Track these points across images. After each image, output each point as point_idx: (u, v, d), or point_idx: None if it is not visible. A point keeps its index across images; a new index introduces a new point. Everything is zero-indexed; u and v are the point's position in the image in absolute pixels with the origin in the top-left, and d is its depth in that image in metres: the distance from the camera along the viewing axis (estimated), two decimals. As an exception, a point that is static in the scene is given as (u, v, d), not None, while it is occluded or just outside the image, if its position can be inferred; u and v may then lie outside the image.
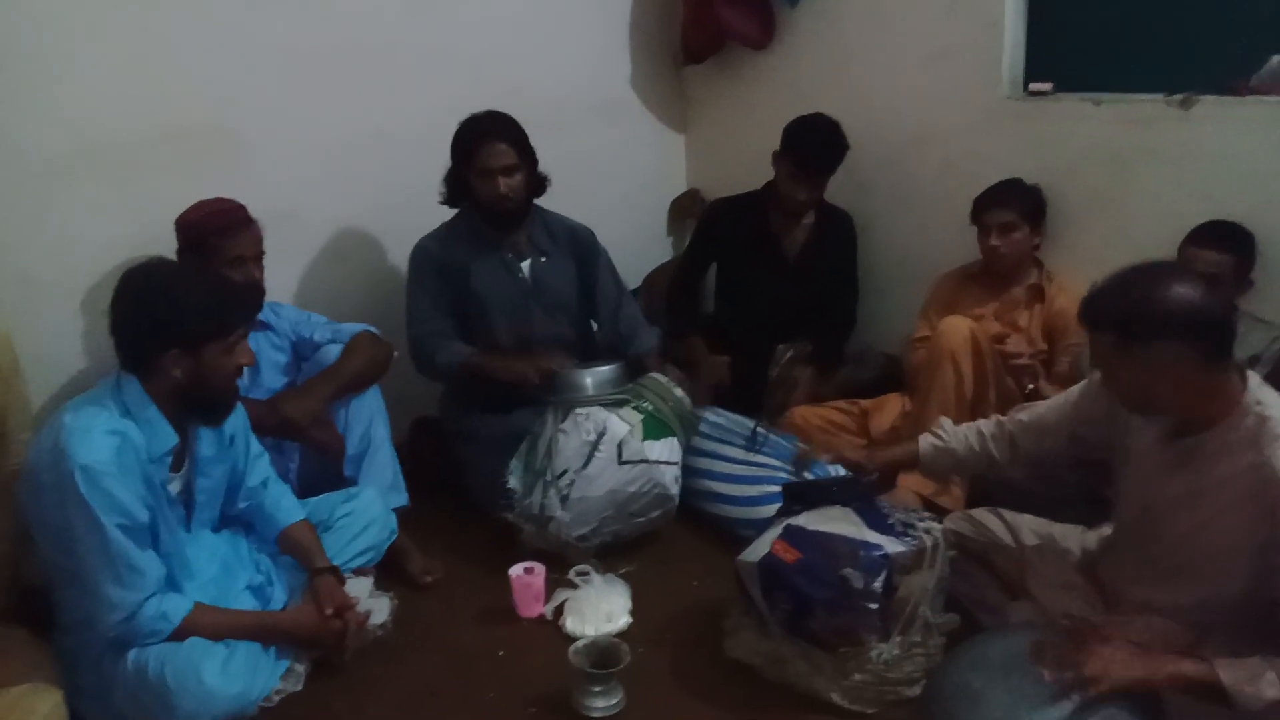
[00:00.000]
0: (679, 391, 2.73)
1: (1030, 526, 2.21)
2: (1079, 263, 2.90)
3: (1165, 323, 1.65)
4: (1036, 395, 2.67)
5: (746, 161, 3.33)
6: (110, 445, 1.90)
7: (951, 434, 2.19)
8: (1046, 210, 2.91)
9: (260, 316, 2.54)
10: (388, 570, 2.48)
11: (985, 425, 2.17)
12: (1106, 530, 2.08)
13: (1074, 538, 2.15)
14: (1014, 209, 2.85)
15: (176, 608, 1.96)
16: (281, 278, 2.60)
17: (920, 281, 3.17)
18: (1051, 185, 2.91)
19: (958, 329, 2.71)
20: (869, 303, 3.35)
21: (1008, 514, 2.26)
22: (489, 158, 2.70)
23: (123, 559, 1.90)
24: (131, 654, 1.93)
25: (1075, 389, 2.07)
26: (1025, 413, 2.13)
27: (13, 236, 2.40)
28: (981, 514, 2.28)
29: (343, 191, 2.98)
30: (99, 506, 1.87)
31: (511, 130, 2.74)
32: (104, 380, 2.03)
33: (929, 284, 3.13)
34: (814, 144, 3.07)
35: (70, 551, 1.92)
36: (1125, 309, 1.68)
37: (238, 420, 2.22)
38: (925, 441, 2.21)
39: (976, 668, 1.75)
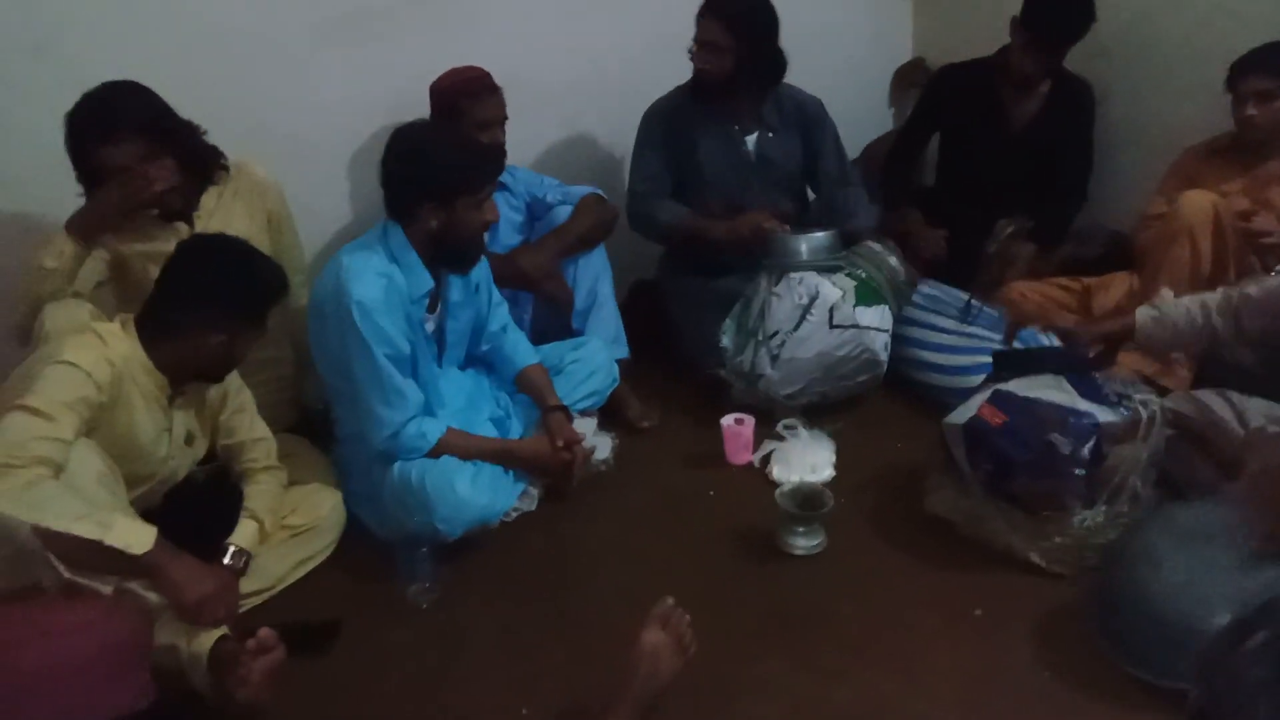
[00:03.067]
0: (894, 260, 2.75)
1: (1260, 410, 2.13)
2: (1349, 135, 2.66)
3: None
4: (1285, 279, 2.52)
5: (979, 27, 3.19)
6: (380, 285, 2.17)
7: (1172, 306, 2.11)
8: (1315, 77, 2.66)
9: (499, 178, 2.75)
10: (609, 415, 2.70)
11: (1210, 298, 2.07)
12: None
13: (1306, 423, 2.07)
14: (1277, 75, 2.63)
15: (433, 429, 2.25)
16: (514, 140, 2.77)
17: (1158, 155, 2.97)
18: (1323, 49, 2.65)
19: (1199, 203, 2.57)
20: (1097, 176, 3.18)
21: (1235, 396, 2.18)
22: (701, 29, 2.74)
23: (390, 383, 2.19)
24: (396, 466, 2.23)
25: None
26: (1255, 287, 2.03)
27: (281, 101, 2.68)
28: (1206, 395, 2.21)
29: (571, 54, 3.08)
30: (371, 337, 2.15)
31: (737, 8, 2.72)
32: (373, 228, 2.29)
33: (1168, 158, 2.94)
34: (1058, 13, 2.91)
35: (347, 375, 2.23)
36: None
37: (482, 271, 2.45)
38: (1142, 313, 2.13)
39: (1163, 533, 1.75)
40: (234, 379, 2.11)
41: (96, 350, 1.83)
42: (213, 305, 1.92)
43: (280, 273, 2.04)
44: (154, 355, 1.92)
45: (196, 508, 2.07)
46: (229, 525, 2.02)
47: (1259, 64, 2.65)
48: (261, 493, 2.09)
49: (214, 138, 2.34)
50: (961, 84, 3.16)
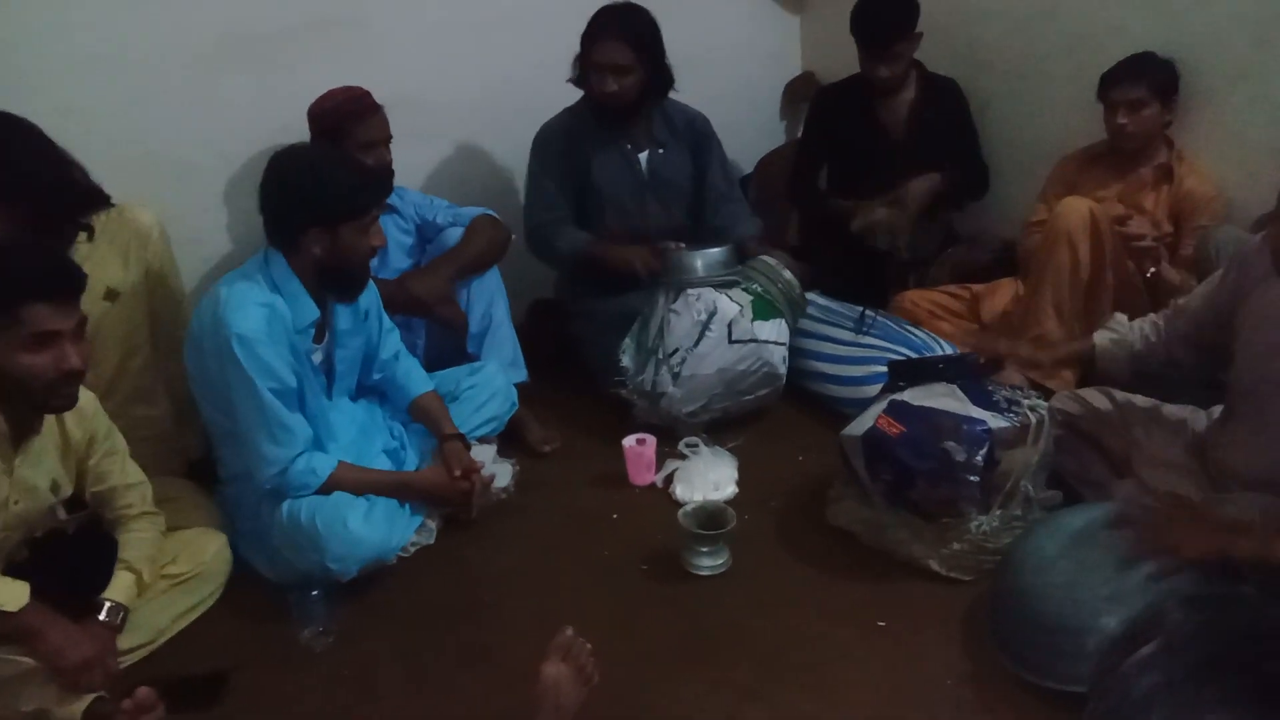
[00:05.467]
0: (788, 274, 2.77)
1: (1140, 406, 2.21)
2: (1214, 140, 2.78)
3: None
4: (1158, 279, 2.62)
5: (862, 42, 3.24)
6: (261, 316, 2.08)
7: (1126, 328, 2.22)
8: (1179, 85, 2.78)
9: (387, 200, 2.68)
10: (509, 440, 2.65)
11: (1157, 315, 2.21)
12: (1218, 410, 2.06)
13: (1185, 418, 2.14)
14: (1144, 85, 2.73)
15: (323, 464, 2.16)
16: (405, 162, 2.70)
17: (1041, 164, 3.07)
18: (1187, 58, 2.77)
19: (1076, 209, 2.65)
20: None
21: (1117, 393, 2.25)
22: (603, 53, 2.71)
23: (275, 419, 2.10)
24: (285, 504, 2.14)
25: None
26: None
27: (171, 126, 2.59)
28: (1089, 393, 2.28)
29: (467, 76, 3.04)
30: (254, 371, 2.06)
31: (634, 28, 2.71)
32: (254, 257, 2.20)
33: (1050, 166, 3.04)
34: (870, 18, 3.01)
35: (229, 412, 2.13)
36: None
37: (371, 297, 2.38)
38: (1101, 336, 2.23)
39: (1053, 536, 1.80)
40: (103, 422, 1.98)
41: None
42: None
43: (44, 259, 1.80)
44: None
45: (67, 561, 1.95)
46: (104, 578, 1.89)
47: (1127, 75, 2.75)
48: (138, 541, 1.97)
49: (102, 165, 2.23)
50: (836, 103, 3.23)
